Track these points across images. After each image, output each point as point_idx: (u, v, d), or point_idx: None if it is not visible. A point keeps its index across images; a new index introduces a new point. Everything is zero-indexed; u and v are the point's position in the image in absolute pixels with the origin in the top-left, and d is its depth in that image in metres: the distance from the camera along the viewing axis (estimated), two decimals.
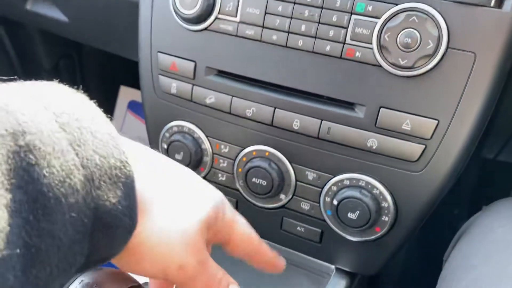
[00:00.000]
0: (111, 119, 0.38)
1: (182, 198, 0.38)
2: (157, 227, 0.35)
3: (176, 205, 0.37)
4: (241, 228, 0.44)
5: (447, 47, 0.48)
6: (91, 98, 0.35)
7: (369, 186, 0.56)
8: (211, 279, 0.40)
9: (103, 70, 1.41)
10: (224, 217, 0.41)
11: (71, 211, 0.28)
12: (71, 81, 1.24)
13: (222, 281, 0.41)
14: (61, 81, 0.36)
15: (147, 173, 0.36)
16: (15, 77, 0.34)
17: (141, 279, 0.51)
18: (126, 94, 1.48)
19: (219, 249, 0.50)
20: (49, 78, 0.36)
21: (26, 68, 1.26)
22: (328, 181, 0.58)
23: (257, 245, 0.46)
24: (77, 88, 0.35)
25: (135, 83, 0.67)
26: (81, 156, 0.29)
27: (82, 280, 0.39)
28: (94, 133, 0.31)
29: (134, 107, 1.47)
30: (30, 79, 0.33)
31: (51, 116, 0.29)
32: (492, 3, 0.46)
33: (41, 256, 0.26)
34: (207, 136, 0.64)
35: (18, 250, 0.25)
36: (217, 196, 0.41)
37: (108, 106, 1.47)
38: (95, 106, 0.33)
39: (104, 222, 0.30)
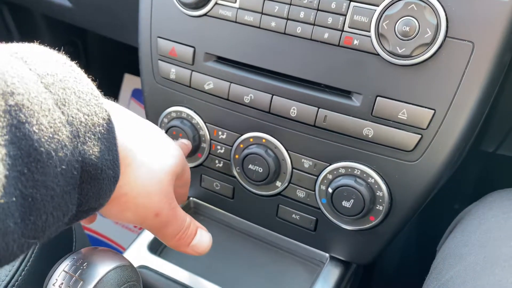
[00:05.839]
0: None
1: (155, 152, 0.43)
2: (139, 180, 0.40)
3: (151, 159, 0.42)
4: (188, 172, 0.53)
5: (445, 36, 0.48)
6: (95, 85, 0.36)
7: (364, 175, 0.56)
8: (181, 224, 0.47)
9: (108, 57, 1.42)
10: (185, 167, 0.50)
11: (62, 164, 0.30)
12: None
13: (190, 225, 0.48)
14: None
15: (125, 130, 0.40)
16: None
17: (130, 259, 0.52)
18: (130, 82, 1.48)
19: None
20: None
21: None
22: (323, 169, 0.59)
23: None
24: None
25: (139, 71, 0.68)
26: (67, 114, 0.31)
27: (74, 258, 0.40)
28: (78, 93, 0.33)
29: (138, 94, 1.47)
30: None
31: (36, 78, 0.31)
32: None
33: (37, 205, 0.29)
34: (205, 122, 0.65)
35: (14, 199, 0.27)
36: (178, 150, 0.48)
37: (112, 93, 1.48)
38: (77, 67, 0.36)
39: (91, 175, 0.33)
